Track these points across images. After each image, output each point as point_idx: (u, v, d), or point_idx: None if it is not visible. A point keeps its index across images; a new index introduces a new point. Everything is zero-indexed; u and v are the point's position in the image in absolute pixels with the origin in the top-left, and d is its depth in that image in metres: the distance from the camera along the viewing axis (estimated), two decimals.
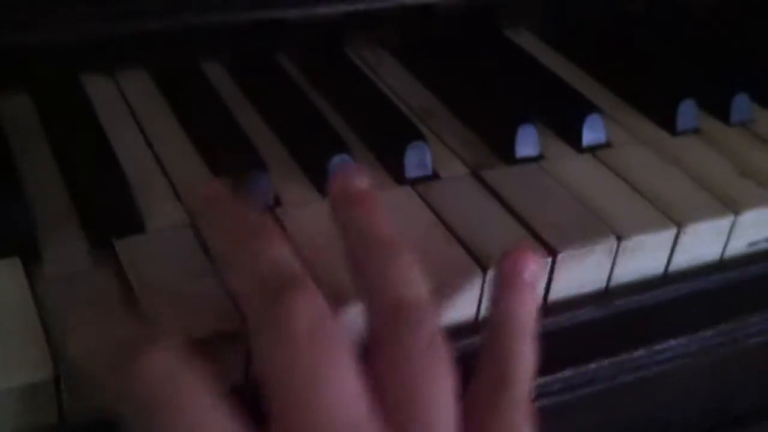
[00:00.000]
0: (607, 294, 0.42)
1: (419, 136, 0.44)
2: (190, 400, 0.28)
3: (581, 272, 0.41)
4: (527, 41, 0.58)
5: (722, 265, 0.44)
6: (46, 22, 0.45)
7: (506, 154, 0.46)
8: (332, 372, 0.29)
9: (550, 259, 0.40)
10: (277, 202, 0.41)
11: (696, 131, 0.50)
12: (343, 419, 0.28)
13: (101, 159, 0.40)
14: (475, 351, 0.39)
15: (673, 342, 0.42)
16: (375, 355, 0.31)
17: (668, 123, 0.50)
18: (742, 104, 0.52)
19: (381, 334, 0.31)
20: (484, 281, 0.38)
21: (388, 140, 0.44)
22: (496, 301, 0.35)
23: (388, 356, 0.31)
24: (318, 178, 0.42)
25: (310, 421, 0.28)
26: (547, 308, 0.41)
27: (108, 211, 0.37)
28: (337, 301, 0.34)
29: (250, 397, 0.30)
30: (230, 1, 0.51)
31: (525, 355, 0.34)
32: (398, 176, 0.43)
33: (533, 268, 0.36)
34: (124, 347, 0.29)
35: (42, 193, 0.39)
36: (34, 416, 0.31)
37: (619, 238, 0.41)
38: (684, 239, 0.42)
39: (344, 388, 0.29)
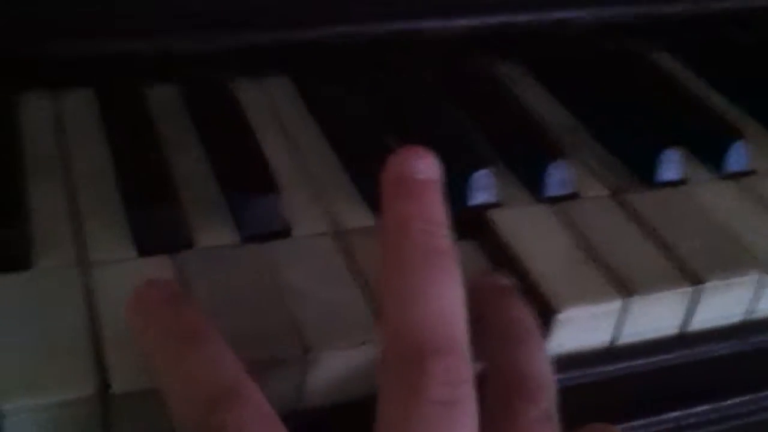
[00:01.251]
0: (747, 328, 0.41)
1: (561, 155, 0.44)
2: None
3: (723, 304, 0.40)
4: (669, 64, 0.57)
5: None
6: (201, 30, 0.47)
7: (648, 177, 0.45)
8: None
9: (694, 289, 0.39)
10: None
11: None
12: None
13: (253, 164, 0.41)
14: (609, 379, 0.39)
15: None
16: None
17: None
18: None
19: (500, 409, 0.31)
20: (623, 305, 0.38)
21: (529, 157, 0.44)
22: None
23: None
24: (458, 193, 0.42)
25: None
26: (685, 340, 0.40)
27: (256, 216, 0.38)
28: None
29: None
30: (376, 13, 0.52)
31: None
32: (538, 193, 0.43)
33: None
34: (213, 392, 0.28)
35: (195, 191, 0.40)
36: None
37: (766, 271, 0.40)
38: None
39: None
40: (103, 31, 0.46)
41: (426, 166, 0.32)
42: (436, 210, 0.32)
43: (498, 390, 0.31)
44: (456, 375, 0.28)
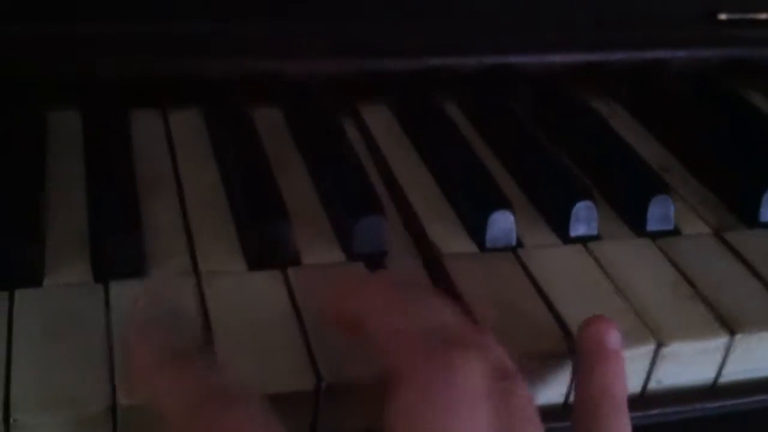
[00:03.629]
0: None
1: (664, 190, 0.44)
2: None
3: None
4: (760, 102, 0.57)
5: None
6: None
7: (750, 217, 0.45)
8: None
9: None
10: (519, 243, 0.41)
11: None
12: None
13: (358, 185, 0.42)
14: (710, 418, 0.38)
15: None
16: None
17: None
18: None
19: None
20: (730, 344, 0.37)
21: (631, 191, 0.44)
22: (587, 376, 0.34)
23: None
24: (560, 223, 0.42)
25: None
26: None
27: (360, 236, 0.39)
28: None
29: None
30: (468, 47, 0.53)
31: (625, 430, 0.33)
32: (639, 228, 0.43)
33: (616, 335, 0.34)
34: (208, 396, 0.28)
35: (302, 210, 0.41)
36: None
37: None
38: None
39: None
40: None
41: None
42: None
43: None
44: (479, 366, 0.29)
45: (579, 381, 0.34)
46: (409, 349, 0.29)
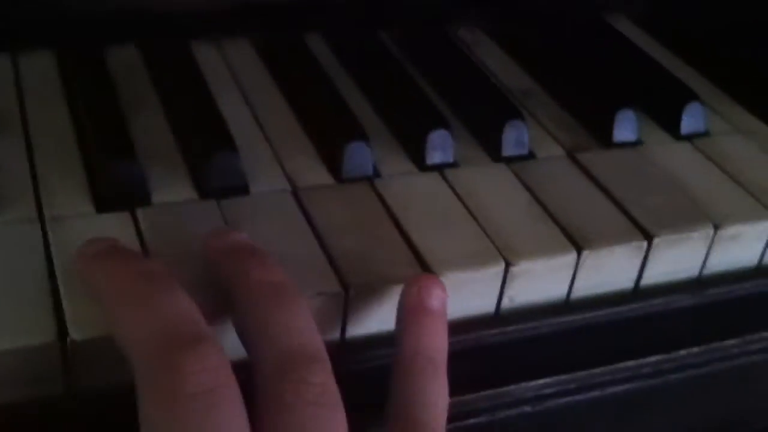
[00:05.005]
0: (700, 282, 0.42)
1: (517, 115, 0.44)
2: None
3: (675, 259, 0.41)
4: (626, 28, 0.58)
5: None
6: None
7: (604, 137, 0.46)
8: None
9: (645, 244, 0.40)
10: (376, 173, 0.42)
11: None
12: None
13: (211, 122, 0.41)
14: (564, 332, 0.40)
15: (765, 333, 0.41)
16: (262, 413, 0.29)
17: None
18: None
19: (265, 393, 0.29)
20: (578, 261, 0.39)
21: (486, 117, 0.45)
22: (403, 335, 0.33)
23: (275, 411, 0.28)
24: (417, 152, 0.42)
25: None
26: (640, 293, 0.41)
27: (215, 172, 0.38)
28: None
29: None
30: None
31: (439, 394, 0.32)
32: (495, 154, 0.44)
33: (439, 294, 0.34)
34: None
35: (154, 150, 0.41)
36: None
37: (716, 227, 0.41)
38: None
39: None
40: None
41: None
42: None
43: (263, 370, 0.29)
44: (210, 361, 0.27)
45: (395, 340, 0.34)
46: (139, 352, 0.28)
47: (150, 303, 0.29)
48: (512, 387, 0.37)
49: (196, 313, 0.29)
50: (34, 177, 0.38)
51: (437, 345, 0.33)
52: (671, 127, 0.48)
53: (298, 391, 0.28)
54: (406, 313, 0.34)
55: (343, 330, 0.36)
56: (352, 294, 0.35)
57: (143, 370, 0.28)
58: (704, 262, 0.42)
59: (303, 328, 0.30)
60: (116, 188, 0.37)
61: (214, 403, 0.27)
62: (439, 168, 0.42)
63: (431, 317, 0.34)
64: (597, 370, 0.39)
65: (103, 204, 0.37)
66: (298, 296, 0.31)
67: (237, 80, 0.47)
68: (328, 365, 0.30)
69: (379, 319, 0.36)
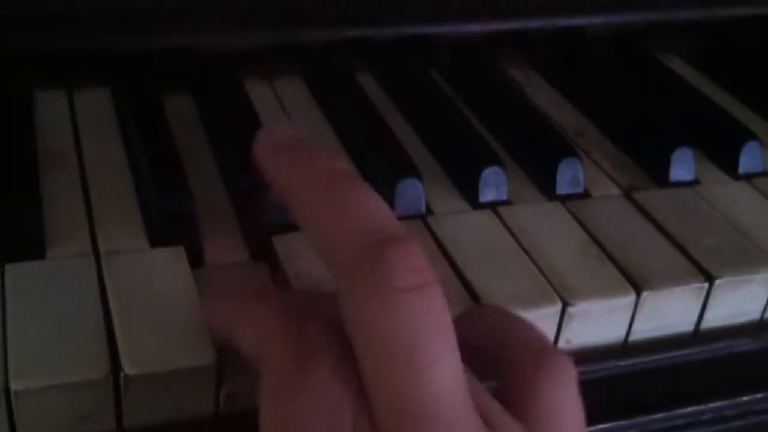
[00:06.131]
0: (761, 326, 0.41)
1: (572, 153, 0.44)
2: (334, 408, 0.27)
3: (736, 302, 0.40)
4: (678, 66, 0.57)
5: None
6: (215, 27, 0.47)
7: (661, 177, 0.45)
8: (436, 341, 0.26)
9: (706, 286, 0.38)
10: (428, 210, 0.41)
11: None
12: (445, 395, 0.26)
13: None
14: (622, 376, 0.39)
15: None
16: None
17: None
18: None
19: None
20: (637, 302, 0.38)
21: (540, 155, 0.44)
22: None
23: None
24: (471, 189, 0.42)
25: (408, 402, 0.25)
26: (700, 336, 0.40)
27: (268, 208, 0.38)
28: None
29: None
30: (386, 17, 0.52)
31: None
32: (549, 192, 0.43)
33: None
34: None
35: (205, 188, 0.41)
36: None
37: None
38: None
39: (447, 359, 0.26)
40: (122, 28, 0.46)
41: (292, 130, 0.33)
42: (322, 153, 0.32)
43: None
44: (417, 260, 0.26)
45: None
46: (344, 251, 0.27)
47: (349, 203, 0.28)
48: None
49: (392, 213, 0.28)
50: (89, 212, 0.38)
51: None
52: (729, 166, 0.47)
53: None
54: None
55: None
56: None
57: (348, 270, 0.27)
58: (766, 306, 0.40)
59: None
60: (170, 223, 0.37)
61: (424, 295, 0.26)
62: (493, 206, 0.42)
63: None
64: (656, 416, 0.38)
65: (156, 239, 0.37)
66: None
67: (289, 117, 0.47)
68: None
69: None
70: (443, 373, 0.26)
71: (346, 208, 0.28)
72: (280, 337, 0.28)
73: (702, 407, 0.38)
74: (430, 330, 0.26)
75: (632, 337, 0.39)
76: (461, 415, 0.26)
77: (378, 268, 0.26)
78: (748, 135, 0.47)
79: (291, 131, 0.33)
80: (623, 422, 0.37)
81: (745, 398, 0.39)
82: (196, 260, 0.36)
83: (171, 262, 0.36)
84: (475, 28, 0.54)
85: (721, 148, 0.47)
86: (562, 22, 0.55)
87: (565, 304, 0.36)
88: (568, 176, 0.43)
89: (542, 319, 0.36)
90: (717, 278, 0.38)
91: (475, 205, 0.42)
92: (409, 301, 0.26)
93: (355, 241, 0.27)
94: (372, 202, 0.29)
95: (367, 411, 0.26)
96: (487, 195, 0.42)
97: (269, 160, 0.32)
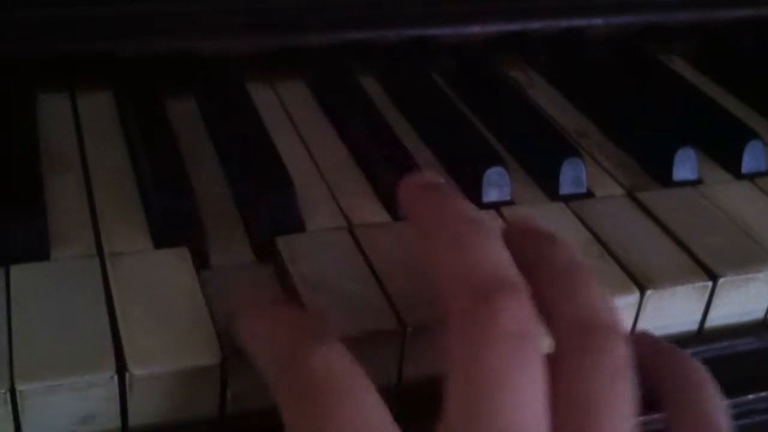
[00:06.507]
0: (766, 325, 0.41)
1: (575, 153, 0.44)
2: (351, 395, 0.28)
3: (740, 300, 0.40)
4: (680, 67, 0.57)
5: None
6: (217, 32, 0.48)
7: (664, 176, 0.45)
8: (524, 381, 0.28)
9: (710, 284, 0.39)
10: None
11: None
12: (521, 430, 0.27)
13: (268, 161, 0.41)
14: None
15: None
16: (557, 374, 0.29)
17: None
18: None
19: (567, 353, 0.30)
20: (641, 300, 0.38)
21: (542, 155, 0.44)
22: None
23: (572, 376, 0.29)
24: (473, 189, 0.42)
25: (487, 425, 0.27)
26: (704, 335, 0.40)
27: (272, 209, 0.38)
28: None
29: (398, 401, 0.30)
30: (388, 19, 0.52)
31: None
32: (552, 192, 0.43)
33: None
34: (299, 333, 0.29)
35: (209, 190, 0.41)
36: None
37: None
38: None
39: (531, 399, 0.28)
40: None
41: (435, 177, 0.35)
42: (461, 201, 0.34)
43: (565, 334, 0.30)
44: (526, 309, 0.28)
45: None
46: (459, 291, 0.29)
47: (475, 246, 0.30)
48: None
49: (513, 263, 0.30)
50: (93, 214, 0.38)
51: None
52: (731, 165, 0.47)
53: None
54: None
55: (400, 369, 0.35)
56: (410, 332, 0.34)
57: (460, 308, 0.28)
58: None
59: (504, 256, 0.30)
60: (173, 224, 0.37)
61: (523, 347, 0.28)
62: (496, 206, 0.42)
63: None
64: (659, 416, 0.38)
65: (160, 239, 0.37)
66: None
67: (292, 120, 0.48)
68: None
69: (436, 358, 0.35)
70: (524, 414, 0.27)
71: (469, 248, 0.30)
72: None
73: None
74: (518, 374, 0.27)
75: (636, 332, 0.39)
76: None
77: (490, 309, 0.28)
78: (750, 134, 0.47)
79: (434, 178, 0.35)
80: None
81: (749, 397, 0.39)
82: (201, 262, 0.37)
83: (175, 262, 0.36)
84: (476, 29, 0.54)
85: (724, 148, 0.47)
86: (564, 23, 0.56)
87: None
88: (571, 176, 0.43)
89: None
90: (720, 277, 0.38)
91: (479, 205, 0.42)
92: (509, 344, 0.28)
93: (473, 282, 0.29)
94: (495, 246, 0.30)
95: None
96: (490, 195, 0.42)
97: (410, 198, 0.34)
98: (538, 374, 0.28)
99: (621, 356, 0.30)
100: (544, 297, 0.31)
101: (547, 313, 0.31)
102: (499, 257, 0.30)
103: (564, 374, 0.29)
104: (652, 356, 0.34)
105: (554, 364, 0.29)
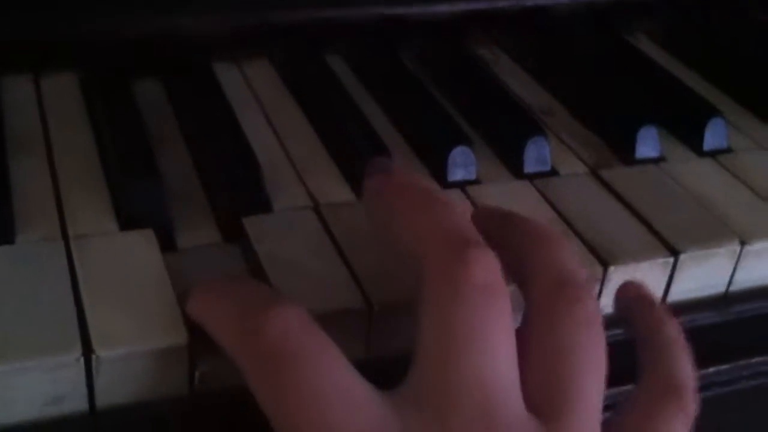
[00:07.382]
0: (726, 299, 0.42)
1: (539, 131, 0.44)
2: (309, 357, 0.28)
3: (702, 275, 0.40)
4: (645, 46, 0.58)
5: None
6: (181, 12, 0.47)
7: (626, 154, 0.46)
8: (495, 330, 0.29)
9: (671, 260, 0.39)
10: None
11: None
12: (492, 381, 0.29)
13: (234, 142, 0.41)
14: None
15: None
16: (530, 327, 0.31)
17: None
18: None
19: (539, 307, 0.32)
20: (604, 277, 0.38)
21: (507, 134, 0.45)
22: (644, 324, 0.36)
23: (545, 328, 0.31)
24: (439, 168, 0.42)
25: (457, 378, 0.28)
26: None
27: (238, 190, 0.38)
28: None
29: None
30: None
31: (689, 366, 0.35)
32: (517, 171, 0.44)
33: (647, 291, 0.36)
34: (251, 304, 0.29)
35: (175, 171, 0.41)
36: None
37: (743, 243, 0.40)
38: None
39: (502, 348, 0.29)
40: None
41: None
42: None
43: (538, 290, 0.32)
44: (495, 264, 0.30)
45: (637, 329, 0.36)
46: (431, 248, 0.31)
47: (440, 210, 0.32)
48: None
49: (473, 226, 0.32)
50: (58, 197, 0.38)
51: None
52: (694, 143, 0.47)
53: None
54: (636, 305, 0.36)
55: (367, 348, 0.35)
56: (376, 311, 0.35)
57: (432, 262, 0.30)
58: (731, 279, 0.41)
59: (469, 223, 0.33)
60: (139, 206, 0.37)
61: (494, 295, 0.30)
62: (461, 185, 0.42)
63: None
64: (622, 389, 0.38)
65: (126, 221, 0.37)
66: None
67: (258, 100, 0.48)
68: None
69: (403, 336, 0.35)
70: (495, 362, 0.29)
71: (440, 209, 0.32)
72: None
73: None
74: (490, 323, 0.29)
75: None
76: (508, 403, 0.29)
77: (461, 263, 0.30)
78: (712, 112, 0.48)
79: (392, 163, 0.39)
80: None
81: (710, 370, 0.40)
82: (167, 243, 0.37)
83: (141, 244, 0.36)
84: (443, 8, 0.54)
85: (686, 126, 0.48)
86: (530, 2, 0.56)
87: None
88: (536, 155, 0.44)
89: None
90: (682, 252, 0.39)
91: (444, 184, 0.42)
92: (481, 295, 0.29)
93: (444, 238, 0.31)
94: (461, 212, 0.33)
95: None
96: (455, 174, 0.42)
97: (378, 183, 0.35)
98: (508, 325, 0.30)
99: (592, 307, 0.32)
100: (516, 258, 0.33)
101: (519, 273, 0.33)
102: (467, 221, 0.32)
103: (537, 327, 0.31)
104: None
105: (527, 321, 0.32)
